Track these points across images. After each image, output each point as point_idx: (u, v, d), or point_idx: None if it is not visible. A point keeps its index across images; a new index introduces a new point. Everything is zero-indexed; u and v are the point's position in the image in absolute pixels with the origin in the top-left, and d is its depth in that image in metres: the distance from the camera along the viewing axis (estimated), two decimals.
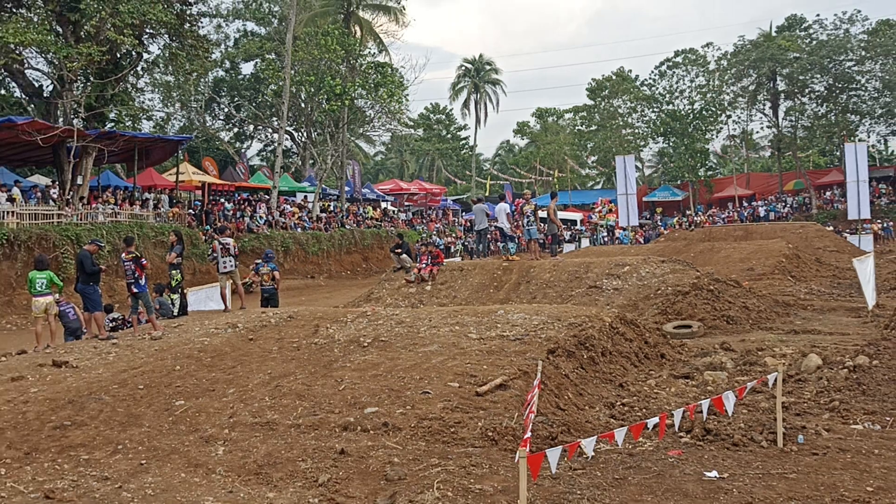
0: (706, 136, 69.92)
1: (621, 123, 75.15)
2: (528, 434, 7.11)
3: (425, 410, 9.60)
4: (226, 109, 62.42)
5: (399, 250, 24.18)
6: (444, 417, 9.42)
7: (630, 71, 78.43)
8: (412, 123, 77.87)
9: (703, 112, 67.81)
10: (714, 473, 8.25)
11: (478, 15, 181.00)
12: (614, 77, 77.48)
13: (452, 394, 10.02)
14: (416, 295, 21.77)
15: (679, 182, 71.90)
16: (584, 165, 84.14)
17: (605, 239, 51.60)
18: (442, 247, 41.17)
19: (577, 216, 62.02)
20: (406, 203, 67.72)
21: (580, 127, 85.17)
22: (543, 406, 9.80)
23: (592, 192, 73.84)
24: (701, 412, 8.81)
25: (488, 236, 26.86)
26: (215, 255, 19.98)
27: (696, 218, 62.21)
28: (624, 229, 51.04)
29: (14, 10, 39.74)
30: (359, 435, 9.16)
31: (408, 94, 54.06)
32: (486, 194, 69.89)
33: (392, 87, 51.09)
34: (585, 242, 50.47)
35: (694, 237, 39.66)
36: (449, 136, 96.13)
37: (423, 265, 22.94)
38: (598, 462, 8.67)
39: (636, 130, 74.82)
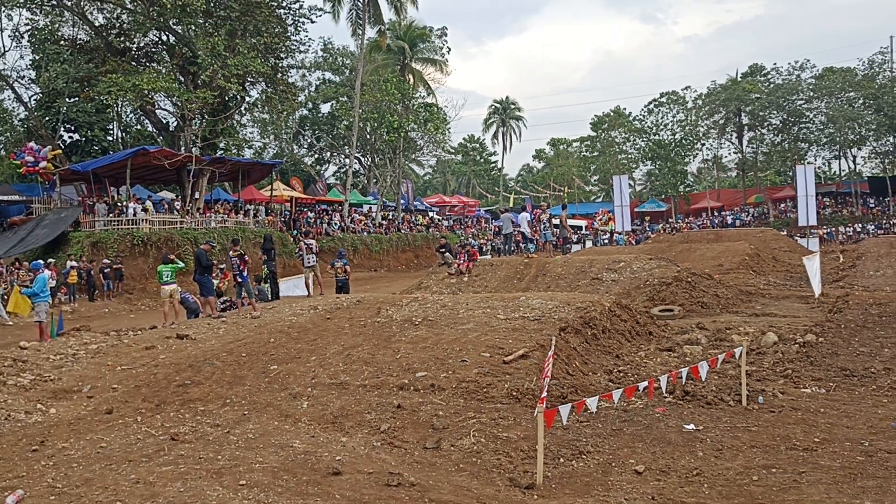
0: (685, 160, 69.06)
1: (617, 150, 74.46)
2: (545, 394, 7.08)
3: (463, 375, 9.59)
4: (309, 140, 62.69)
5: (443, 249, 24.12)
6: (478, 380, 9.40)
7: (625, 109, 77.96)
8: (453, 150, 77.68)
9: (683, 141, 66.93)
10: (692, 426, 8.18)
11: (505, 66, 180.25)
12: (612, 114, 76.80)
13: (485, 362, 10.00)
14: (456, 284, 21.72)
15: (663, 196, 70.95)
16: (588, 183, 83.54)
17: (605, 241, 51.03)
18: (477, 247, 40.99)
19: (582, 223, 61.36)
20: (448, 213, 67.57)
21: (585, 153, 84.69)
22: (556, 372, 9.75)
23: (594, 205, 72.95)
24: (681, 378, 8.73)
25: (513, 239, 26.70)
26: (301, 253, 20.08)
27: (676, 225, 61.52)
28: (620, 234, 50.48)
29: (148, 64, 40.33)
30: (411, 393, 9.17)
31: (449, 128, 54.20)
32: (511, 206, 69.45)
33: (437, 122, 51.09)
34: (589, 244, 49.94)
35: (675, 240, 39.04)
36: (482, 160, 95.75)
37: (462, 261, 22.86)
38: (599, 416, 8.62)
39: (629, 155, 74.08)
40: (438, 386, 9.32)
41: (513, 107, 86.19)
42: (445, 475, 6.85)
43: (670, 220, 65.66)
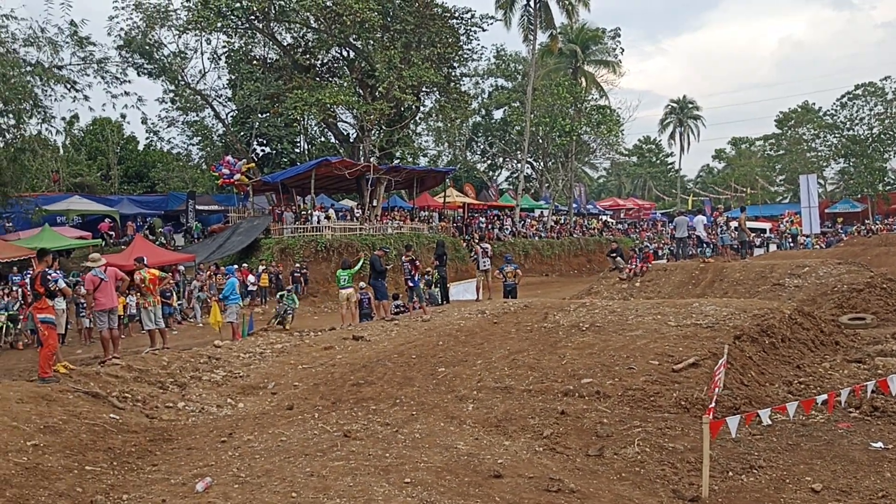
0: (884, 157, 63.55)
1: (806, 148, 69.87)
2: (713, 404, 6.82)
3: (630, 382, 9.40)
4: (481, 146, 63.57)
5: (614, 254, 23.72)
6: (645, 388, 9.18)
7: (814, 104, 72.94)
8: (627, 152, 76.11)
9: (882, 136, 61.70)
10: (879, 444, 7.56)
11: (682, 64, 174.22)
12: (800, 109, 72.22)
13: (653, 369, 9.74)
14: (627, 290, 21.28)
15: (858, 196, 65.63)
16: (773, 183, 78.91)
17: (791, 245, 48.02)
18: (652, 250, 39.85)
19: (766, 226, 58.06)
20: (622, 216, 66.20)
21: (769, 152, 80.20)
22: (729, 382, 9.35)
23: (780, 206, 68.74)
24: (868, 392, 8.09)
25: (689, 242, 25.76)
26: (477, 256, 20.47)
27: (873, 226, 56.64)
28: (807, 236, 47.38)
29: (330, 79, 42.53)
30: (576, 400, 9.10)
31: (623, 130, 53.03)
32: (689, 208, 66.96)
33: (611, 124, 50.17)
34: (773, 247, 47.20)
35: (871, 243, 36.14)
36: (658, 161, 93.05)
37: (634, 265, 22.39)
38: (774, 430, 8.16)
39: (819, 153, 69.24)
40: (604, 393, 9.19)
41: (690, 106, 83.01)
42: (607, 483, 6.75)
43: (866, 221, 60.60)
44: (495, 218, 48.63)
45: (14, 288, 22.74)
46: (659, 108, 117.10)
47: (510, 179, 67.94)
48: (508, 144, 60.09)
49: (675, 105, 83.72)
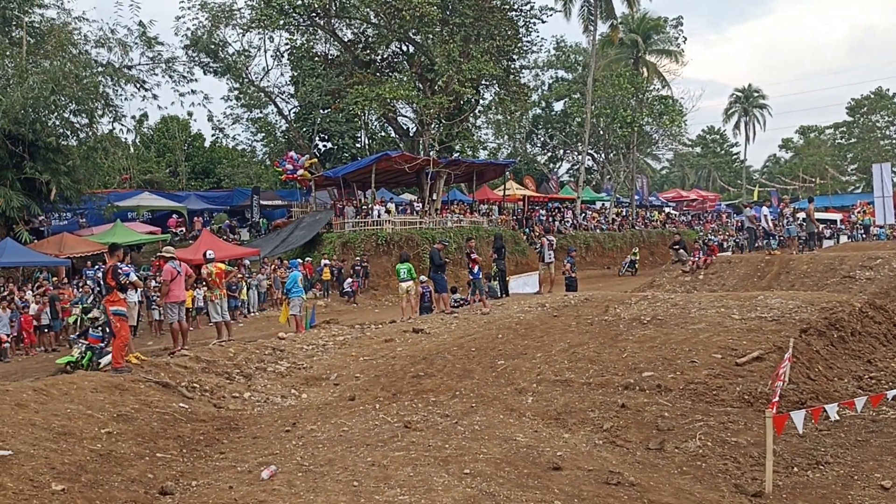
0: None
1: (879, 136, 67.54)
2: (776, 398, 6.71)
3: (692, 376, 9.28)
4: (542, 138, 63.26)
5: (677, 246, 23.34)
6: (708, 382, 9.05)
7: (887, 90, 70.37)
8: (690, 143, 74.60)
9: None
10: None
11: (747, 52, 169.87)
12: (873, 96, 69.79)
13: (715, 363, 9.60)
14: (690, 283, 20.93)
15: None
16: (844, 173, 76.43)
17: (863, 236, 46.50)
18: (717, 242, 39.09)
19: (837, 216, 56.35)
20: (685, 208, 65.01)
21: (840, 140, 77.76)
22: (795, 376, 9.16)
23: (851, 196, 66.55)
24: None
25: (757, 234, 25.15)
26: (542, 249, 20.43)
27: None
28: (881, 227, 45.82)
29: (390, 74, 42.85)
30: (636, 393, 9.03)
31: (686, 120, 52.07)
32: (755, 199, 65.37)
33: (673, 114, 49.31)
34: (844, 239, 45.79)
35: None
36: (722, 151, 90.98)
37: (698, 258, 22.02)
38: (842, 425, 7.98)
39: (893, 141, 66.87)
40: (665, 387, 9.10)
41: (756, 94, 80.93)
42: (667, 477, 6.70)
43: None
44: (556, 210, 48.33)
45: (88, 282, 23.54)
46: (723, 98, 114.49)
47: (571, 171, 67.42)
48: (569, 136, 59.62)
49: (739, 94, 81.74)
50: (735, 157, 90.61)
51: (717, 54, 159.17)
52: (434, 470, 6.42)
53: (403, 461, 6.69)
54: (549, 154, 65.56)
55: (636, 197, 55.22)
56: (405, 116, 44.42)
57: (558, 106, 61.60)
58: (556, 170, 64.98)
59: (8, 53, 28.69)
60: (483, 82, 41.83)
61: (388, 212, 34.65)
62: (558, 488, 6.11)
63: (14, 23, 32.05)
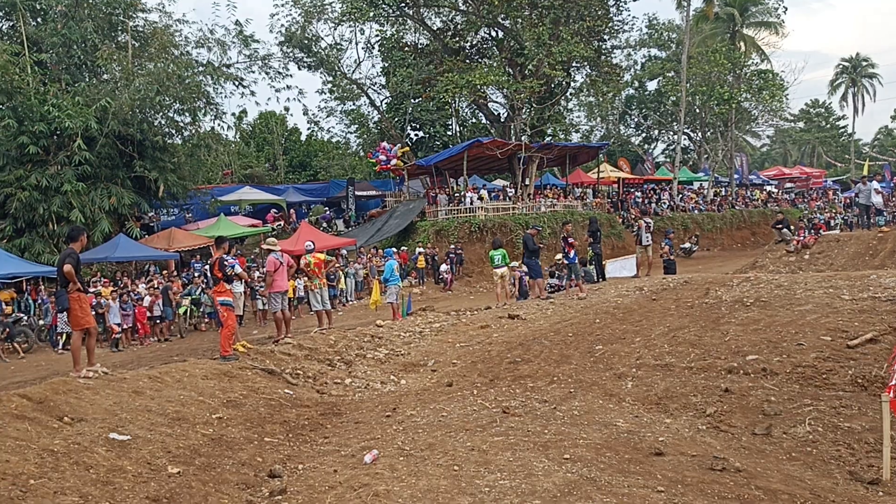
0: None
1: None
2: (893, 381, 6.38)
3: (799, 359, 8.93)
4: (635, 119, 62.03)
5: (779, 225, 22.49)
6: (817, 365, 8.69)
7: None
8: (793, 118, 71.62)
9: None
10: None
11: (854, 19, 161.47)
12: None
13: (824, 346, 9.21)
14: (794, 263, 20.13)
15: None
16: None
17: None
18: (823, 220, 37.46)
19: None
20: (788, 185, 62.44)
21: None
22: None
23: None
24: None
25: (869, 210, 23.92)
26: (639, 231, 20.10)
27: None
28: None
29: (479, 60, 42.80)
30: (740, 377, 8.76)
31: (788, 94, 49.99)
32: (864, 174, 62.24)
33: (773, 89, 47.36)
34: None
35: None
36: (828, 126, 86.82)
37: (803, 237, 21.17)
38: None
39: None
40: (771, 370, 8.80)
41: (864, 64, 76.83)
42: (775, 463, 6.49)
43: None
44: (652, 192, 47.32)
45: (196, 274, 24.56)
46: (828, 69, 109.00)
47: (666, 152, 65.81)
48: (663, 116, 58.19)
49: (846, 64, 77.79)
50: (842, 130, 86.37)
51: (820, 23, 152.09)
52: (534, 455, 6.43)
53: (503, 446, 6.72)
54: (644, 135, 64.24)
55: (735, 176, 53.43)
56: (496, 102, 44.30)
57: (652, 85, 60.19)
58: (650, 151, 63.56)
59: (115, 58, 30.11)
60: (574, 64, 41.24)
61: (480, 198, 34.68)
62: (661, 474, 6.02)
63: (119, 28, 33.62)
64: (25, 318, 21.15)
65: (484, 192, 36.60)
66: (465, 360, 11.30)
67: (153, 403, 7.95)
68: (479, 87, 37.17)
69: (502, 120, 43.37)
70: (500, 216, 33.39)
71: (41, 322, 21.31)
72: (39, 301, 22.03)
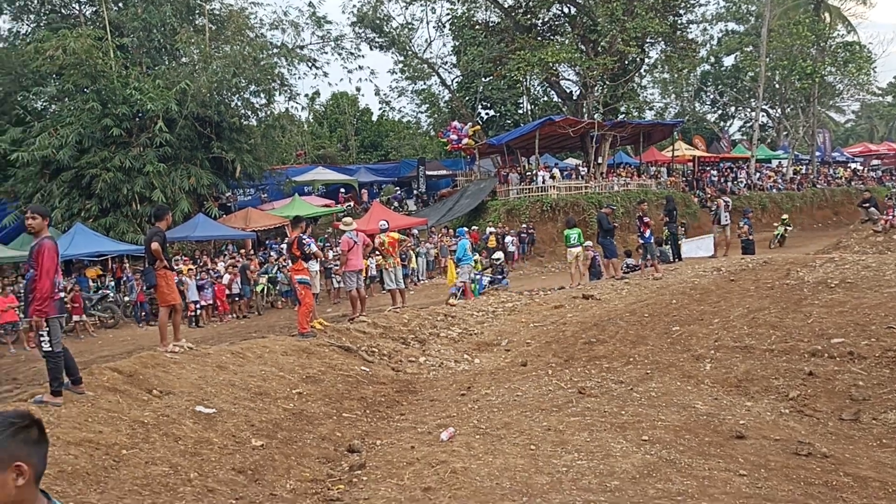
0: None
1: None
2: None
3: (889, 343, 8.58)
4: (711, 96, 60.41)
5: (867, 204, 21.65)
6: None
7: None
8: (880, 92, 68.51)
9: None
10: None
11: None
12: None
13: None
14: (882, 243, 19.34)
15: None
16: None
17: None
18: None
19: None
20: (874, 162, 59.92)
21: None
22: None
23: None
24: None
25: None
26: (717, 210, 19.68)
27: None
28: None
29: (551, 38, 42.26)
30: (825, 360, 8.49)
31: (875, 67, 47.83)
32: None
33: (860, 62, 45.41)
34: None
35: None
36: None
37: (892, 216, 20.32)
38: None
39: None
40: (858, 354, 8.49)
41: None
42: (864, 450, 6.29)
43: None
44: (728, 171, 46.10)
45: (272, 253, 25.09)
46: None
47: (744, 129, 63.94)
48: (741, 92, 56.48)
49: None
50: None
51: None
52: (611, 436, 6.39)
53: (579, 426, 6.69)
54: (720, 112, 62.58)
55: (817, 153, 51.56)
56: (568, 80, 43.71)
57: (729, 61, 58.41)
58: (727, 128, 61.86)
59: (193, 41, 30.81)
60: (648, 40, 40.30)
61: (552, 177, 34.36)
62: (742, 457, 5.91)
63: (197, 11, 34.37)
64: (111, 294, 22.00)
65: (556, 171, 36.23)
66: (539, 340, 11.27)
67: (236, 378, 8.19)
68: (550, 64, 36.70)
69: (574, 98, 42.79)
70: (573, 195, 33.04)
71: (126, 298, 22.12)
72: (124, 278, 22.85)
